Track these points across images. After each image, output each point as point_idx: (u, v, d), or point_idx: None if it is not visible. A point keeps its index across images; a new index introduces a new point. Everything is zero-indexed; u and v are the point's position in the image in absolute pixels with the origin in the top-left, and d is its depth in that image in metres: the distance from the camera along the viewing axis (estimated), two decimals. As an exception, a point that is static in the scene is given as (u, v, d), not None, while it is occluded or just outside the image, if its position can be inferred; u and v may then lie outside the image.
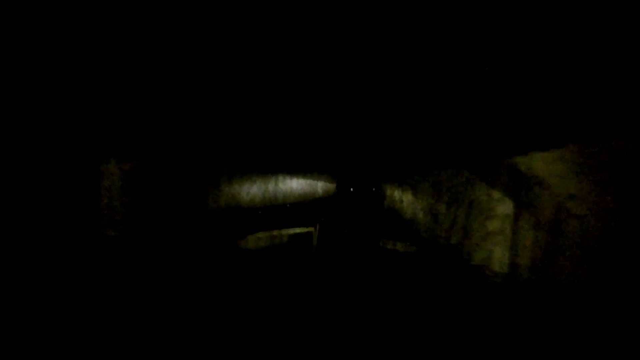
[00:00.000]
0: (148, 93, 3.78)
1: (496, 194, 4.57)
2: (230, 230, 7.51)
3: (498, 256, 4.42)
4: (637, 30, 2.03)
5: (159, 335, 2.94)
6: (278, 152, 7.31)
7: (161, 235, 5.15)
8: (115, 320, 3.07)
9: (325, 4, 2.25)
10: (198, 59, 3.30)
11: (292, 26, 2.48)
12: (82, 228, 3.88)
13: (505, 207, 4.38)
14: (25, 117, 3.34)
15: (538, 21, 2.19)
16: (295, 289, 4.35)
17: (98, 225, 4.05)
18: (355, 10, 2.16)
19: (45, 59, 3.01)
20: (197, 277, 4.52)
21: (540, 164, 3.70)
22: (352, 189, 17.62)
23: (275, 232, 8.76)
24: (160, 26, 2.69)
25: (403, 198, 10.11)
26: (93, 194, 3.99)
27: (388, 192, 12.51)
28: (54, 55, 2.99)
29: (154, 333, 2.97)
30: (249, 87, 3.61)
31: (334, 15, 2.33)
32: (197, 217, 6.29)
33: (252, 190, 9.53)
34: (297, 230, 9.76)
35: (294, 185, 13.36)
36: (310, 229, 10.20)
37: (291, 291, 4.25)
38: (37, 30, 2.40)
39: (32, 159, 3.47)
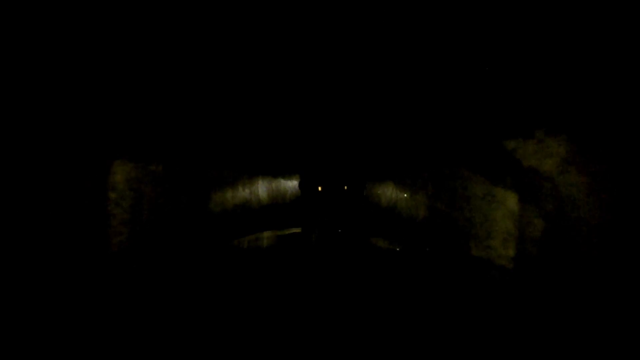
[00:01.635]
0: (158, 104, 3.79)
1: (496, 188, 4.71)
2: (232, 231, 7.53)
3: (499, 251, 4.56)
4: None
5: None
6: (278, 156, 7.34)
7: (170, 244, 5.13)
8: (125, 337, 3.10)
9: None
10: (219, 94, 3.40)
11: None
12: (89, 241, 3.83)
13: (506, 200, 4.51)
14: (32, 127, 3.29)
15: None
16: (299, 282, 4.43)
17: (105, 238, 4.00)
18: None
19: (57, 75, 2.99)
20: (207, 279, 4.55)
21: (540, 154, 3.82)
22: (320, 188, 15.84)
23: (266, 234, 8.79)
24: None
25: (395, 196, 10.20)
26: (99, 205, 3.94)
27: (378, 190, 12.54)
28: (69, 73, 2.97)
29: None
30: (242, 90, 3.68)
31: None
32: (203, 220, 6.28)
33: (261, 190, 9.55)
34: (294, 230, 9.81)
35: (289, 185, 13.27)
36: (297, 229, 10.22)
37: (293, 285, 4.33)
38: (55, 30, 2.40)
39: (38, 169, 3.43)
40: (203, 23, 2.45)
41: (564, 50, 2.70)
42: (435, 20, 2.47)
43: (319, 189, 15.77)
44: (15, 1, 2.17)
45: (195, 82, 3.47)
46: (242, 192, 8.65)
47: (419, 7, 2.27)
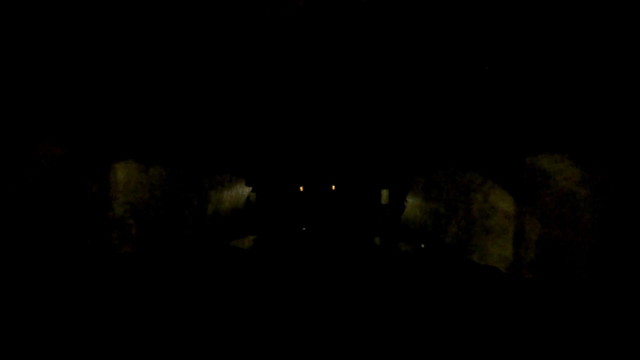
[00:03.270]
0: (162, 112, 3.75)
1: (498, 193, 4.63)
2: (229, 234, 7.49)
3: (501, 254, 4.47)
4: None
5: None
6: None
7: (172, 244, 5.09)
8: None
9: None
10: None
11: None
12: (92, 243, 3.79)
13: (507, 205, 4.43)
14: (36, 133, 3.28)
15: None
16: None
17: (108, 241, 3.95)
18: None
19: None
20: (208, 281, 4.51)
21: (545, 162, 3.75)
22: (302, 189, 13.74)
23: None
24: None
25: (396, 198, 10.13)
26: (103, 207, 3.89)
27: (383, 193, 12.43)
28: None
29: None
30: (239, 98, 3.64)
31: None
32: (202, 222, 6.25)
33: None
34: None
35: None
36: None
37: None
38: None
39: (43, 175, 3.41)
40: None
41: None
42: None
43: (301, 189, 13.77)
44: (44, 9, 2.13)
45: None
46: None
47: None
